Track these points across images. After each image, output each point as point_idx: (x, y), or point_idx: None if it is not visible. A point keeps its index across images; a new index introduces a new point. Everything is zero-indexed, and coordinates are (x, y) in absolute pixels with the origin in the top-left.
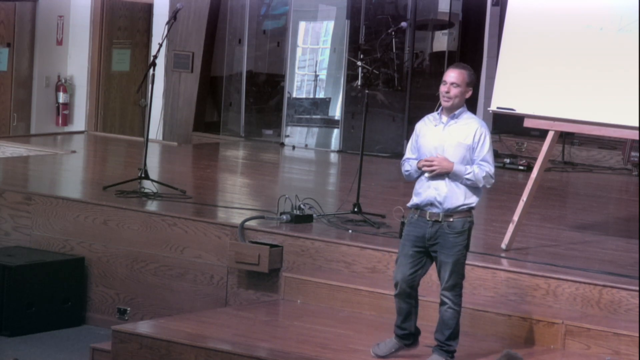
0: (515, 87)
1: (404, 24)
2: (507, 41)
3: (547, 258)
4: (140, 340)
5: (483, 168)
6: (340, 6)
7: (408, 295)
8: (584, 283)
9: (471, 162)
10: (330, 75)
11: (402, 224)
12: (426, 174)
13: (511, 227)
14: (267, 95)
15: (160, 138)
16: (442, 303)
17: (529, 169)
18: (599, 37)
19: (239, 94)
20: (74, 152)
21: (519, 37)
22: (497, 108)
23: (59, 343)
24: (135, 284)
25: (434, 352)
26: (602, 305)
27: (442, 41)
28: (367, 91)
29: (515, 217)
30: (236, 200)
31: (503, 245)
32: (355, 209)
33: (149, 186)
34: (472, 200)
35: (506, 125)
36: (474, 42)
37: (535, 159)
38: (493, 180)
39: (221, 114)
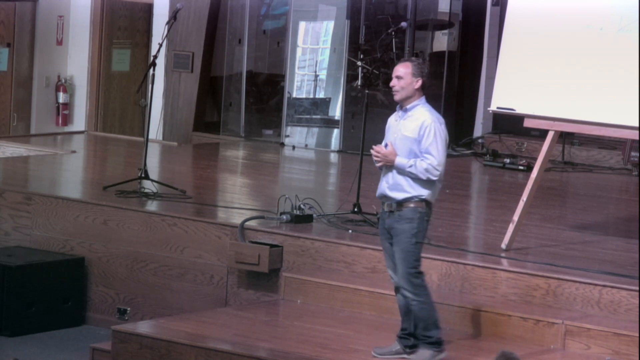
0: (515, 87)
1: (404, 24)
2: (507, 41)
3: (547, 258)
4: (140, 340)
5: (425, 160)
6: (340, 6)
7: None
8: (584, 283)
9: (420, 154)
10: (330, 75)
11: (378, 218)
12: (377, 165)
13: (511, 227)
14: (267, 95)
15: (160, 138)
16: (405, 297)
17: (529, 169)
18: (599, 37)
19: (239, 94)
20: (74, 152)
21: (519, 37)
22: (497, 108)
23: (59, 343)
24: (135, 284)
25: (419, 347)
26: (602, 305)
27: (442, 41)
28: (367, 91)
29: (515, 217)
30: (236, 200)
31: (503, 245)
32: (355, 209)
33: (149, 186)
34: (422, 192)
35: (506, 125)
36: (474, 42)
37: (535, 159)
38: (438, 172)
39: (221, 114)
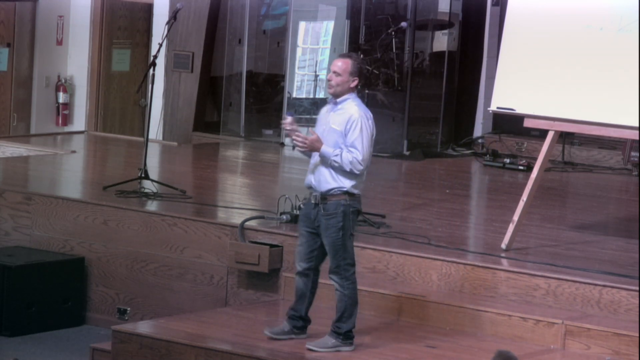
0: (515, 87)
1: (404, 24)
2: (507, 41)
3: (547, 258)
4: (140, 340)
5: (351, 153)
6: (340, 6)
7: (304, 275)
8: (584, 283)
9: (345, 148)
10: None
11: (299, 207)
12: (296, 149)
13: (511, 227)
14: (267, 95)
15: (160, 138)
16: (334, 285)
17: (529, 169)
18: (599, 37)
19: (239, 94)
20: (74, 152)
21: (519, 37)
22: (497, 108)
23: (59, 343)
24: (135, 284)
25: (327, 334)
26: (602, 305)
27: (442, 41)
28: (367, 91)
29: (515, 217)
30: (236, 200)
31: (503, 245)
32: None
33: (149, 186)
34: (345, 184)
35: (506, 125)
36: (474, 42)
37: (535, 159)
38: (361, 167)
39: (221, 114)
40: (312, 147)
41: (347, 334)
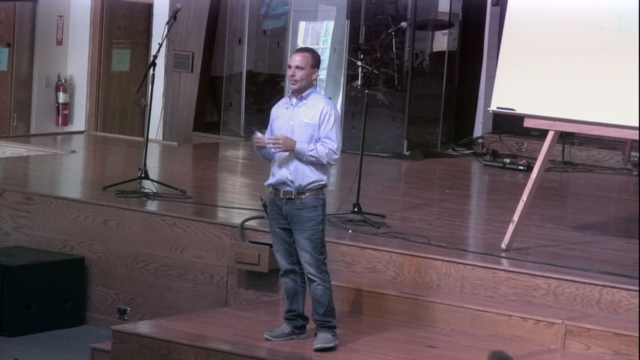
0: (515, 87)
1: (404, 24)
2: (507, 41)
3: (547, 258)
4: (140, 340)
5: (326, 145)
6: (340, 6)
7: (291, 272)
8: (584, 283)
9: (320, 140)
10: (330, 75)
11: (265, 205)
12: (272, 151)
13: (511, 227)
14: (267, 95)
15: (160, 138)
16: (311, 281)
17: (529, 169)
18: (599, 37)
19: (239, 94)
20: (74, 152)
21: (519, 37)
22: (497, 108)
23: (59, 343)
24: (135, 284)
25: (318, 332)
26: (602, 305)
27: (442, 41)
28: (367, 91)
29: (515, 217)
30: (236, 200)
31: (503, 245)
32: (355, 209)
33: (149, 186)
34: (323, 178)
35: (506, 125)
36: (474, 42)
37: (535, 159)
38: (337, 157)
39: (221, 114)
40: (287, 146)
41: (335, 326)
